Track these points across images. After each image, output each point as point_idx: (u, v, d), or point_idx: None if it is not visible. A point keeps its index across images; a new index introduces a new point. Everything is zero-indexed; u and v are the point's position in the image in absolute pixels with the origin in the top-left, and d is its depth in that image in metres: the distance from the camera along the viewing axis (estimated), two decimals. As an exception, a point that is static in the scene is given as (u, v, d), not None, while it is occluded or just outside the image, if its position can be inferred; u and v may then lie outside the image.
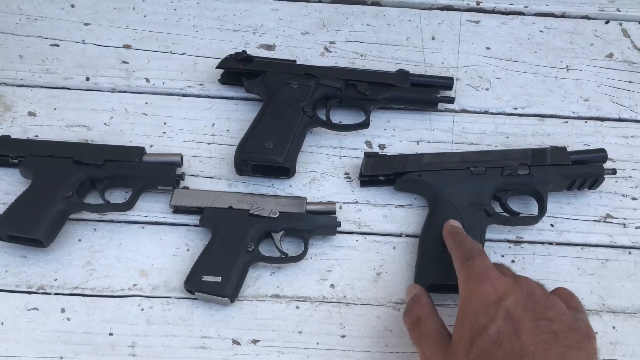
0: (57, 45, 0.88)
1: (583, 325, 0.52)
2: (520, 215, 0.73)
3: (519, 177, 0.73)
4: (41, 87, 0.84)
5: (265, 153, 0.74)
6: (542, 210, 0.72)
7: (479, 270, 0.55)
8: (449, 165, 0.74)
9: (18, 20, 0.90)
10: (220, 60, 0.84)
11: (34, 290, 0.69)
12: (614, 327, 0.69)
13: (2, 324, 0.67)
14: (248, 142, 0.75)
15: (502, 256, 0.74)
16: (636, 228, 0.75)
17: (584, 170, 0.73)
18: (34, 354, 0.65)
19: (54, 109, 0.82)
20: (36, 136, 0.80)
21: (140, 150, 0.75)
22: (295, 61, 0.84)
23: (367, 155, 0.76)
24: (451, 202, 0.71)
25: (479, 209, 0.71)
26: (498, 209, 0.74)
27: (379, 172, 0.75)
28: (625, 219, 0.76)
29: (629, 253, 0.74)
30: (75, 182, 0.72)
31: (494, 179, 0.73)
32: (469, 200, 0.71)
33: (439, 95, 0.83)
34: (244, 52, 0.83)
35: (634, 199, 0.77)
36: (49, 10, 0.91)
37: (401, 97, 0.82)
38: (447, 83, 0.83)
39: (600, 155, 0.74)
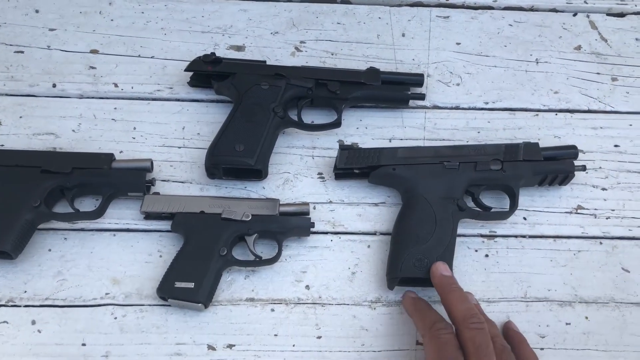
0: (22, 52, 0.86)
1: None
2: (493, 210, 0.74)
3: (491, 172, 0.73)
4: (6, 95, 0.82)
5: (236, 156, 0.74)
6: (514, 205, 0.73)
7: None
8: (422, 159, 0.74)
9: (-19, 27, 0.88)
10: (188, 62, 0.83)
11: (2, 303, 0.68)
12: (586, 318, 0.69)
13: (-29, 338, 0.65)
14: (218, 145, 0.75)
15: (476, 250, 0.74)
16: (606, 218, 0.76)
17: (555, 166, 0.74)
18: (5, 368, 0.64)
19: (20, 117, 0.81)
20: (2, 145, 0.78)
21: (109, 157, 0.74)
22: (265, 62, 0.83)
23: (342, 148, 0.76)
24: (424, 196, 0.71)
25: (452, 203, 0.71)
26: (470, 203, 0.74)
27: (353, 165, 0.75)
28: (595, 209, 0.77)
29: (600, 243, 0.74)
30: (43, 192, 0.70)
31: (467, 173, 0.73)
32: (441, 195, 0.71)
33: (410, 93, 0.83)
34: (213, 53, 0.82)
35: (603, 189, 0.78)
36: (12, 16, 0.89)
37: (372, 95, 0.82)
38: (417, 80, 0.83)
39: (571, 151, 0.75)
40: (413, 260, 0.66)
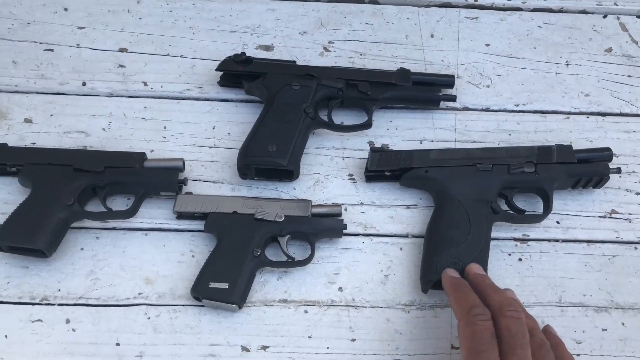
0: (52, 50, 0.86)
1: None
2: (526, 213, 0.73)
3: (525, 174, 0.73)
4: (37, 93, 0.82)
5: (269, 156, 0.73)
6: (548, 208, 0.72)
7: None
8: (455, 161, 0.74)
9: (10, 25, 0.88)
10: (219, 62, 0.82)
11: (37, 301, 0.68)
12: (623, 324, 0.69)
13: (6, 336, 0.65)
14: (250, 146, 0.74)
15: (509, 254, 0.73)
16: (641, 223, 0.76)
17: (589, 168, 0.73)
18: (40, 367, 0.64)
19: (51, 115, 0.81)
20: (33, 143, 0.78)
21: (142, 156, 0.74)
22: (295, 62, 0.83)
23: (373, 150, 0.75)
24: (457, 198, 0.71)
25: (485, 205, 0.70)
26: (504, 206, 0.73)
27: (385, 167, 0.74)
28: (630, 214, 0.76)
29: (635, 248, 0.74)
30: (76, 190, 0.70)
31: (500, 176, 0.73)
32: (475, 197, 0.71)
33: (441, 94, 0.82)
34: (243, 53, 0.82)
35: (638, 193, 0.78)
36: (41, 15, 0.89)
37: (403, 96, 0.81)
38: (448, 81, 0.83)
39: (605, 154, 0.74)
40: (448, 263, 0.66)
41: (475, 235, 0.68)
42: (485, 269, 0.67)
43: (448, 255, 0.66)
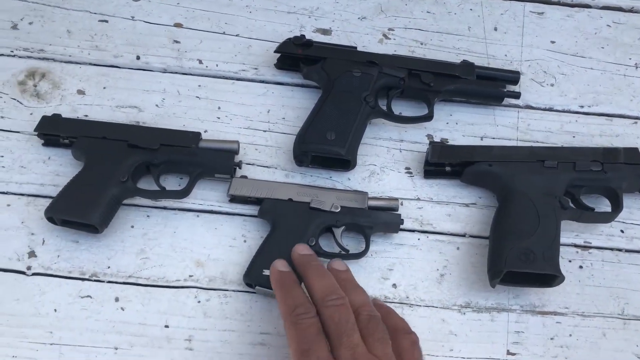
0: (106, 21, 0.84)
1: None
2: (596, 210, 0.70)
3: (592, 172, 0.70)
4: (90, 64, 0.81)
5: (327, 144, 0.71)
6: (618, 207, 0.69)
7: None
8: (519, 157, 0.71)
9: (65, -7, 0.86)
10: (275, 43, 0.80)
11: (87, 277, 0.67)
12: (689, 341, 0.66)
13: (55, 310, 0.64)
14: (309, 132, 0.72)
15: (570, 261, 0.71)
16: None
17: None
18: (88, 343, 0.63)
19: (104, 87, 0.79)
20: (86, 116, 0.77)
21: (197, 136, 0.72)
22: (355, 48, 0.80)
23: (433, 143, 0.73)
24: (524, 191, 0.68)
25: (554, 199, 0.67)
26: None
27: (446, 160, 0.72)
28: (699, 227, 0.73)
29: (703, 264, 0.71)
30: (131, 167, 0.69)
31: (567, 173, 0.70)
32: (542, 191, 0.68)
33: (505, 90, 0.79)
34: (303, 36, 0.79)
35: None
36: (97, -16, 0.87)
37: (466, 90, 0.79)
38: (513, 77, 0.80)
39: None
40: (518, 254, 0.63)
41: (545, 228, 0.65)
42: (558, 263, 0.64)
43: (519, 245, 0.64)
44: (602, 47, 0.87)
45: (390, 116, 0.77)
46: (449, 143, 0.77)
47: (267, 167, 0.75)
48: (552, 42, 0.87)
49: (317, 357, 0.51)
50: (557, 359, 0.65)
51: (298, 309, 0.55)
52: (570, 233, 0.72)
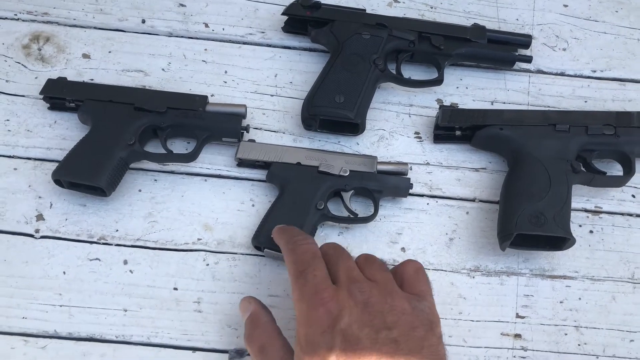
0: (110, -16, 0.83)
1: (424, 317, 0.51)
2: (608, 174, 0.69)
3: (604, 136, 0.69)
4: (95, 28, 0.80)
5: (336, 107, 0.70)
6: (630, 171, 0.68)
7: (310, 292, 0.50)
8: (530, 121, 0.70)
9: (68, -44, 0.84)
10: (282, 7, 0.79)
11: (95, 240, 0.66)
12: (700, 305, 0.66)
13: (64, 273, 0.64)
14: (317, 96, 0.71)
15: (580, 225, 0.70)
16: None
17: None
18: (98, 305, 0.63)
19: (109, 51, 0.78)
20: (91, 80, 0.76)
21: (204, 99, 0.71)
22: (365, 10, 0.79)
23: (443, 107, 0.72)
24: (535, 154, 0.67)
25: (565, 163, 0.67)
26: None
27: (456, 123, 0.71)
28: None
29: None
30: (138, 130, 0.68)
31: (579, 137, 0.69)
32: (554, 155, 0.67)
33: (517, 54, 0.78)
34: (311, -2, 0.78)
35: None
36: (100, -54, 0.85)
37: (477, 54, 0.77)
38: (525, 41, 0.78)
39: None
40: (528, 217, 0.63)
41: (556, 191, 0.65)
42: (569, 228, 0.64)
43: (529, 208, 0.63)
44: (616, 11, 0.85)
45: (400, 80, 0.76)
46: (459, 107, 0.76)
47: (274, 131, 0.74)
48: (565, 5, 0.86)
49: (313, 275, 0.51)
50: (566, 322, 0.65)
51: (296, 237, 0.56)
52: (581, 198, 0.71)
